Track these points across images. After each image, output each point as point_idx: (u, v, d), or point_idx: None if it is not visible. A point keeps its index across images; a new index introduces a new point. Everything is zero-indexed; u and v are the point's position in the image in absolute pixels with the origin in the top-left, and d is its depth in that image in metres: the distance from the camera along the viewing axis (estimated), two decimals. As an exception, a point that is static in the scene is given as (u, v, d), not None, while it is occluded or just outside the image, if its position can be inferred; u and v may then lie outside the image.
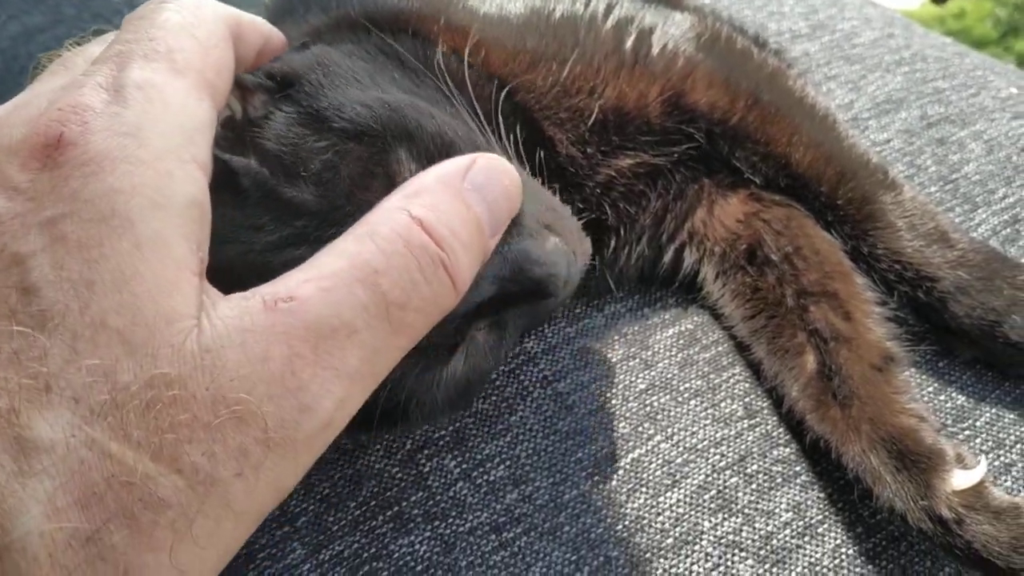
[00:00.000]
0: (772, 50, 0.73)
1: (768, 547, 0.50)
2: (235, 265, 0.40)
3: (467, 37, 0.56)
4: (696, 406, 0.56)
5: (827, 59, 0.79)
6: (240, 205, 0.42)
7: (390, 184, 0.41)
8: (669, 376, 0.57)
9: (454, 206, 0.39)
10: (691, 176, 0.62)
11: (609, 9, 0.62)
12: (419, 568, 0.49)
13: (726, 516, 0.51)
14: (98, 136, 0.34)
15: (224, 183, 0.40)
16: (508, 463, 0.53)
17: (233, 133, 0.44)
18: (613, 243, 0.61)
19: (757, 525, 0.51)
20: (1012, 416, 0.56)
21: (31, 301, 0.31)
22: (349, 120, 0.44)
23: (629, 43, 0.60)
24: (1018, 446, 0.54)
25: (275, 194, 0.42)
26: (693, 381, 0.57)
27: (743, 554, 0.50)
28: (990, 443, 0.54)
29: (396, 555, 0.50)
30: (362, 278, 0.35)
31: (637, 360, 0.58)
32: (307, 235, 0.41)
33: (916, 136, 0.71)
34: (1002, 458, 0.54)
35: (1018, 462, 0.54)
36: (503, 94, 0.54)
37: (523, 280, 0.44)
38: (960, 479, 0.49)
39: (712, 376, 0.58)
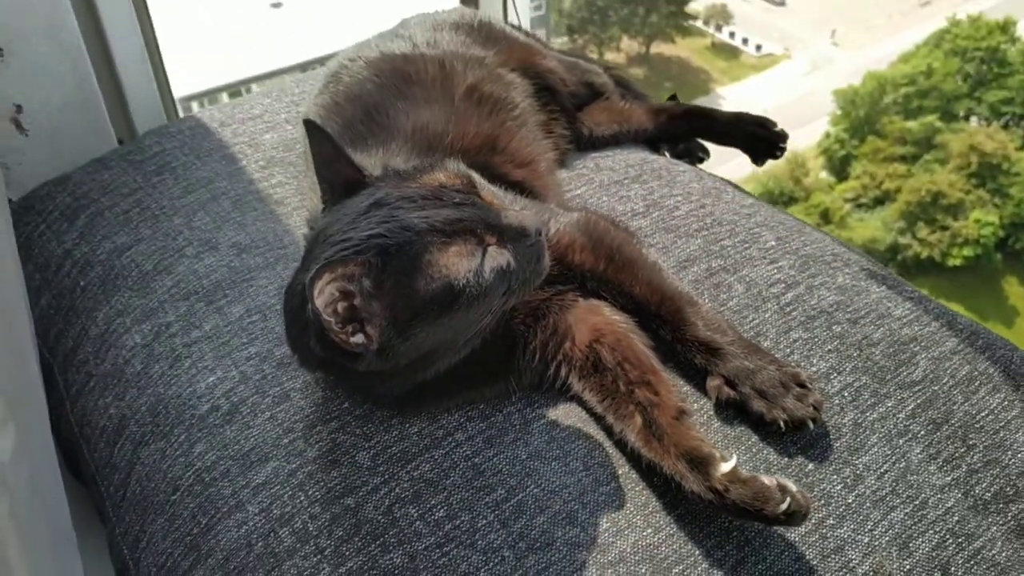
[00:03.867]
0: (622, 225, 1.17)
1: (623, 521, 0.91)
2: None
3: None
4: (574, 455, 0.97)
5: (653, 230, 1.23)
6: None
7: None
8: (557, 441, 0.98)
9: None
10: (558, 314, 1.04)
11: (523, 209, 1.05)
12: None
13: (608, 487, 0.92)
14: None
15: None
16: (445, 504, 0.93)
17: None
18: (516, 363, 1.03)
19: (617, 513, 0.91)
20: (755, 438, 0.97)
21: None
22: None
23: None
24: (751, 450, 0.95)
25: None
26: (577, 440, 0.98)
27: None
28: (741, 449, 0.95)
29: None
30: None
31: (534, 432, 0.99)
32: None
33: (700, 283, 1.13)
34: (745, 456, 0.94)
35: (747, 460, 0.94)
36: None
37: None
38: (724, 467, 0.90)
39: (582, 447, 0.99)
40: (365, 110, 1.22)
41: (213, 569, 0.96)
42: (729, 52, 21.67)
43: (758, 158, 1.47)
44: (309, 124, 0.93)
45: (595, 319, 1.04)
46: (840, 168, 17.49)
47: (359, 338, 0.84)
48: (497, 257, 0.85)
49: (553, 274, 1.02)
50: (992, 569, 0.95)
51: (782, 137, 1.45)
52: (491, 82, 1.28)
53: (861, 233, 15.62)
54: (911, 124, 17.13)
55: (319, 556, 0.93)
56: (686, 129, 1.51)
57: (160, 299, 1.21)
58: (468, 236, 0.85)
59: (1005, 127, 17.76)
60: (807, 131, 17.49)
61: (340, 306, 0.82)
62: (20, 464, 0.78)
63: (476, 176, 0.96)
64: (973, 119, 18.03)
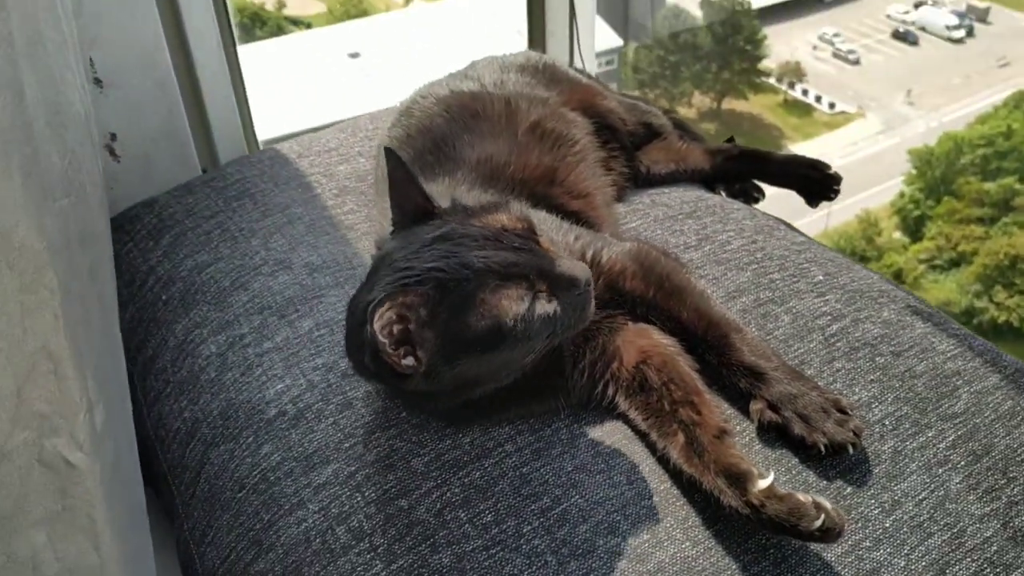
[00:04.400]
0: (673, 256, 1.22)
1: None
2: None
3: None
4: (618, 469, 1.01)
5: (704, 263, 1.27)
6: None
7: None
8: (603, 456, 1.03)
9: None
10: (608, 336, 1.09)
11: (578, 238, 1.12)
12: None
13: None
14: None
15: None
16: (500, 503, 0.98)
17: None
18: (565, 381, 1.08)
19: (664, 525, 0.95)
20: (795, 460, 1.00)
21: None
22: None
23: (589, 254, 1.09)
24: (791, 471, 0.98)
25: None
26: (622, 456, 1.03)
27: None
28: (781, 471, 0.98)
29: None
30: None
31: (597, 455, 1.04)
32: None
33: (748, 313, 1.17)
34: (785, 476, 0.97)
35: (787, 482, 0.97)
36: None
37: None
38: (761, 484, 0.93)
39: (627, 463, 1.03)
40: (434, 142, 1.30)
41: (273, 563, 1.03)
42: (802, 109, 21.57)
43: (812, 199, 1.51)
44: (388, 151, 1.01)
45: (643, 342, 1.09)
46: (915, 228, 17.17)
47: (409, 360, 0.91)
48: (546, 305, 0.92)
49: (605, 299, 1.07)
50: (1032, 603, 0.96)
51: (836, 180, 1.49)
52: (553, 120, 1.35)
53: (936, 295, 15.26)
54: (989, 185, 16.77)
55: (372, 553, 0.98)
56: (742, 170, 1.56)
57: (236, 313, 1.29)
58: (521, 281, 0.91)
59: (1087, 194, 17.34)
60: (880, 191, 17.26)
61: (396, 328, 0.89)
62: (107, 440, 0.86)
63: (536, 217, 1.03)
64: (1054, 182, 17.65)
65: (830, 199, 1.50)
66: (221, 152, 1.80)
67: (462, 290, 0.90)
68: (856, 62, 23.11)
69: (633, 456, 1.04)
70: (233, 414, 1.17)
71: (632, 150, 1.50)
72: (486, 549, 0.97)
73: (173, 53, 1.64)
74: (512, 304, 0.90)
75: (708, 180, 1.57)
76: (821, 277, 1.25)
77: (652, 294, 1.11)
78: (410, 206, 1.00)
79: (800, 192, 1.52)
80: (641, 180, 1.51)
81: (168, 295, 1.38)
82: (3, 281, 0.64)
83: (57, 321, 0.70)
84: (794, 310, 1.18)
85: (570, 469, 1.03)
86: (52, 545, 0.71)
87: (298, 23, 17.71)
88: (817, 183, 1.50)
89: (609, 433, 1.07)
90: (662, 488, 1.02)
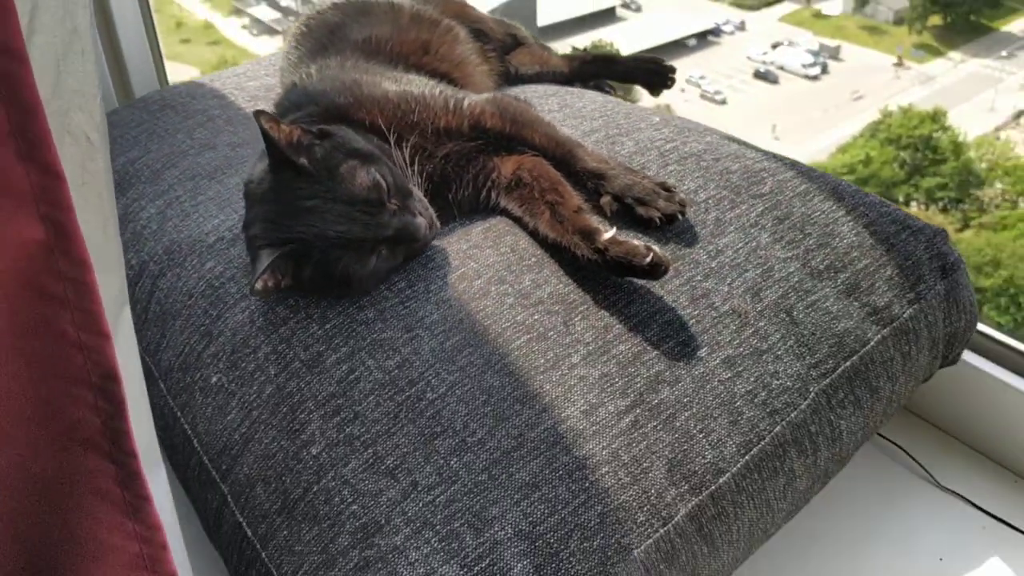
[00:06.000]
0: (525, 100, 1.49)
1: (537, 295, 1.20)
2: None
3: (376, 115, 1.29)
4: (503, 244, 1.26)
5: (563, 119, 1.55)
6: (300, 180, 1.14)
7: (367, 178, 1.14)
8: (498, 247, 1.28)
9: None
10: (486, 156, 1.34)
11: (442, 92, 1.37)
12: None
13: (528, 275, 1.21)
14: None
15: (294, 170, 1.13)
16: (405, 326, 1.22)
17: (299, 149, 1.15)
18: (454, 194, 1.33)
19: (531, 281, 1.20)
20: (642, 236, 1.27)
21: None
22: (352, 149, 1.17)
23: (452, 103, 1.35)
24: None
25: (312, 175, 1.14)
26: (504, 236, 1.28)
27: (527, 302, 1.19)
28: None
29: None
30: None
31: (476, 246, 1.28)
32: (319, 194, 1.13)
33: (599, 143, 1.45)
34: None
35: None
36: (394, 139, 1.26)
37: (405, 235, 1.16)
38: (606, 235, 1.19)
39: (510, 238, 1.28)
40: (328, 30, 1.55)
41: (223, 344, 1.23)
42: (675, 148, 22.55)
43: (654, 89, 1.81)
44: (256, 113, 1.16)
45: (517, 157, 1.35)
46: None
47: (286, 282, 1.19)
48: (389, 260, 1.21)
49: (471, 136, 1.34)
50: (826, 315, 1.25)
51: (672, 70, 1.80)
52: (431, 14, 1.62)
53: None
54: (851, 206, 17.85)
55: (308, 320, 1.20)
56: (595, 70, 1.85)
57: (169, 183, 1.50)
58: (365, 245, 1.18)
59: (944, 210, 18.66)
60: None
61: (270, 283, 1.16)
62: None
63: (409, 80, 1.32)
64: (913, 204, 18.93)
65: (668, 87, 1.81)
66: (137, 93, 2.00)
67: (321, 255, 1.15)
68: (723, 102, 24.36)
69: (513, 235, 1.30)
70: (176, 249, 1.37)
71: (502, 53, 1.78)
72: (402, 304, 1.20)
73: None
74: (358, 268, 1.17)
75: (567, 81, 1.86)
76: (657, 119, 1.54)
77: (508, 128, 1.37)
78: (281, 157, 1.18)
79: (644, 85, 1.83)
80: (511, 80, 1.78)
81: (105, 185, 1.57)
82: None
83: (86, 11, 0.87)
84: (635, 138, 1.46)
85: (465, 247, 1.28)
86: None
87: None
88: (657, 75, 1.81)
89: (494, 223, 1.32)
90: (537, 252, 1.27)
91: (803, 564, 1.37)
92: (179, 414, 1.25)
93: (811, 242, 1.32)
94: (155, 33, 2.00)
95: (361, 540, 1.04)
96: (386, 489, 1.06)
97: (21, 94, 0.63)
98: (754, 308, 1.23)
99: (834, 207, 1.36)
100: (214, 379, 1.22)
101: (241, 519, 1.13)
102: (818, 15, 15.92)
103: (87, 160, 0.85)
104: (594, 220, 1.24)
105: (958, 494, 1.46)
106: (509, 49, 1.81)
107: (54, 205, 0.63)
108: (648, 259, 1.16)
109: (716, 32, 17.57)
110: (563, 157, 1.34)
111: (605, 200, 1.31)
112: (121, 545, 0.74)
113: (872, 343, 1.26)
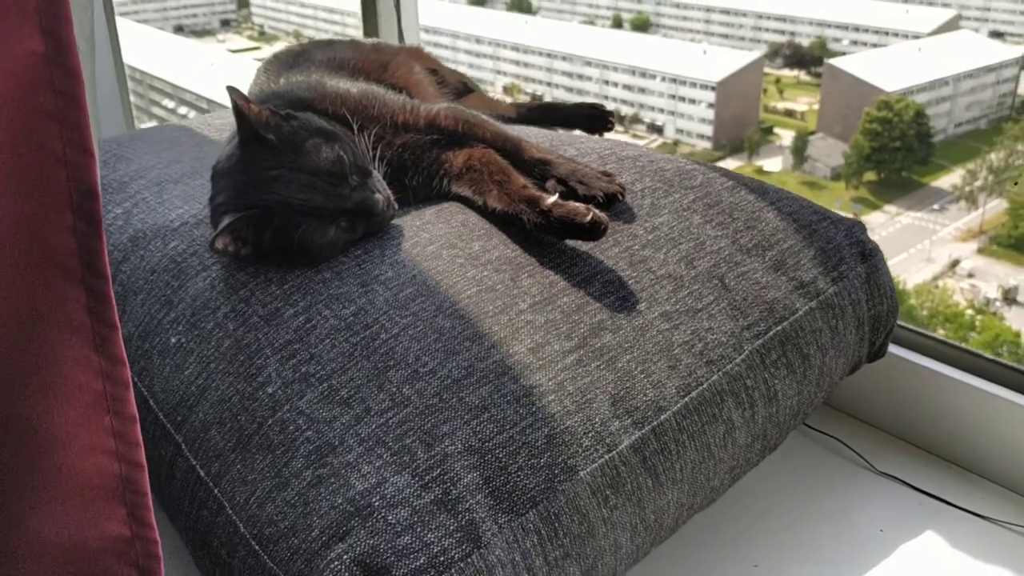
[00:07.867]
0: (476, 109, 1.61)
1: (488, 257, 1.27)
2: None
3: (339, 106, 1.40)
4: (454, 219, 1.34)
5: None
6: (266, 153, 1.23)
7: (331, 153, 1.24)
8: (449, 223, 1.36)
9: None
10: (440, 149, 1.45)
11: (403, 101, 1.49)
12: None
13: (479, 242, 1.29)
14: None
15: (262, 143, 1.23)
16: (360, 290, 1.29)
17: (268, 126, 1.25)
18: (410, 180, 1.42)
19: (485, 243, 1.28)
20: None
21: None
22: (317, 128, 1.27)
23: (410, 106, 1.46)
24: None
25: (279, 149, 1.23)
26: (456, 214, 1.36)
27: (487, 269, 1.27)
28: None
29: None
30: None
31: (431, 225, 1.37)
32: (284, 164, 1.23)
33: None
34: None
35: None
36: (357, 127, 1.37)
37: (364, 208, 1.26)
38: (549, 200, 1.28)
39: (460, 216, 1.37)
40: (294, 57, 1.68)
41: (183, 310, 1.28)
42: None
43: (595, 131, 1.95)
44: (229, 88, 1.29)
45: (468, 149, 1.46)
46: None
47: (246, 251, 1.27)
48: (347, 232, 1.29)
49: (427, 132, 1.45)
50: (756, 285, 1.34)
51: (610, 113, 1.95)
52: (392, 47, 1.77)
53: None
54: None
55: (268, 282, 1.26)
56: (540, 115, 1.99)
57: (135, 190, 1.57)
58: (325, 218, 1.26)
59: (887, 358, 19.24)
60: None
61: (230, 248, 1.25)
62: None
63: (369, 89, 1.44)
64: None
65: (609, 130, 1.95)
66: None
67: (282, 220, 1.24)
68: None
69: (464, 214, 1.38)
70: (141, 237, 1.43)
71: (455, 96, 1.92)
72: (358, 265, 1.27)
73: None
74: (317, 236, 1.26)
75: (514, 124, 2.00)
76: (599, 139, 1.67)
77: (460, 128, 1.48)
78: (250, 131, 1.29)
79: (584, 129, 1.97)
80: (463, 119, 1.92)
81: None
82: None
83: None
84: (576, 146, 1.58)
85: (418, 224, 1.36)
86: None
87: None
88: (597, 119, 1.95)
89: (446, 206, 1.41)
90: (486, 225, 1.36)
91: (751, 539, 1.41)
92: (136, 380, 1.27)
93: (739, 224, 1.42)
94: (125, 81, 2.12)
95: (315, 461, 1.06)
96: (340, 416, 1.10)
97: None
98: (688, 274, 1.32)
99: (759, 199, 1.48)
100: (173, 340, 1.26)
101: (195, 462, 1.15)
102: (760, 171, 16.77)
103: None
104: (538, 191, 1.33)
105: (895, 477, 1.51)
106: (461, 94, 1.95)
107: (55, 17, 0.69)
108: (589, 217, 1.26)
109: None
110: (511, 149, 1.45)
111: (550, 183, 1.41)
112: (86, 383, 0.73)
113: (800, 312, 1.35)
